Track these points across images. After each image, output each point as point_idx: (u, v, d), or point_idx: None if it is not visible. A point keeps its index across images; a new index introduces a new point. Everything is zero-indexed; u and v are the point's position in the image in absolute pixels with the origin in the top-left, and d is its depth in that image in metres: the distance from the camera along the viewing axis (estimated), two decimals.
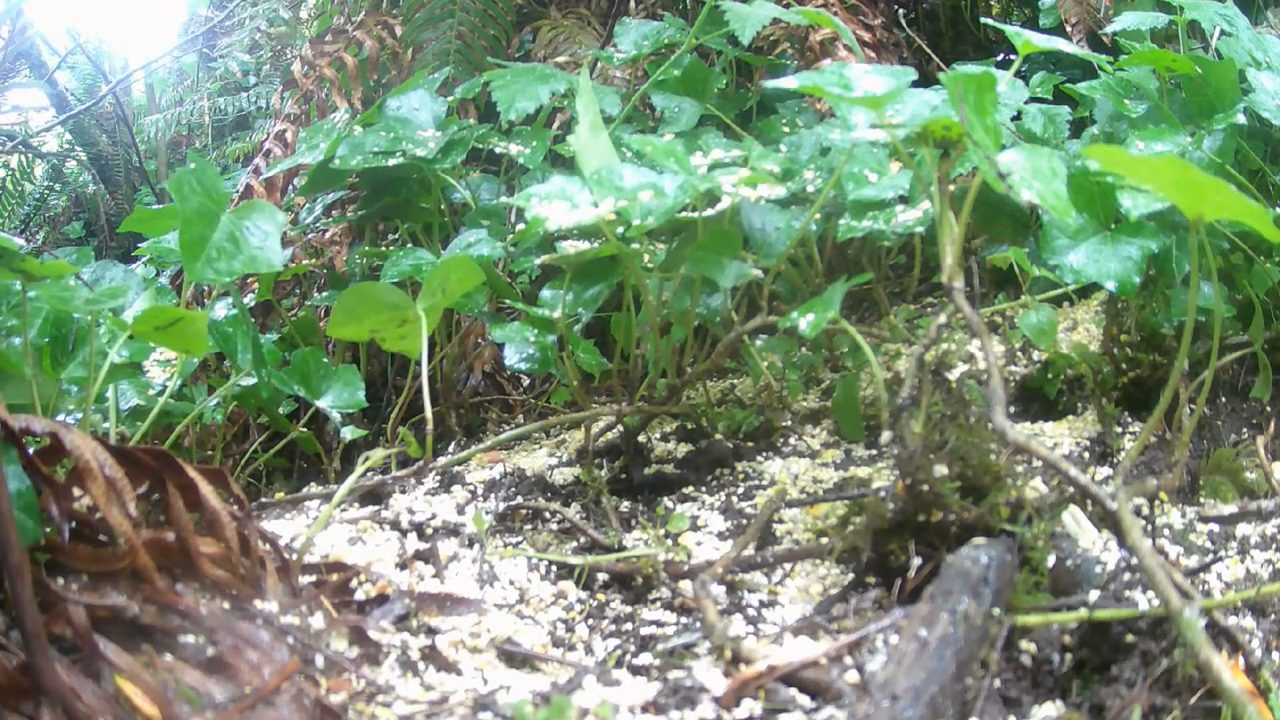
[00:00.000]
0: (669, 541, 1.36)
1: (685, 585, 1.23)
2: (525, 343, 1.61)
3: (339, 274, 2.16)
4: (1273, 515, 1.36)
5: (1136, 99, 1.73)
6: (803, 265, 1.76)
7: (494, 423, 1.99)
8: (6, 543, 0.83)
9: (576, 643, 1.16)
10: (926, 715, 0.86)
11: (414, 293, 1.37)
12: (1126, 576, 1.10)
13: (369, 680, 0.98)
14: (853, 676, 0.95)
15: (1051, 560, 1.11)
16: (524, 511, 1.42)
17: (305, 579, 1.13)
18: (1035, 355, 1.74)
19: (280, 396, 1.72)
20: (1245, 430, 1.64)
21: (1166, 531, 1.31)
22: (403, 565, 1.24)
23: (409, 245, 1.92)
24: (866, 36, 2.25)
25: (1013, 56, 1.50)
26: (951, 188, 1.23)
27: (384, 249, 2.04)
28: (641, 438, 1.62)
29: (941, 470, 1.10)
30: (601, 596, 1.26)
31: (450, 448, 1.77)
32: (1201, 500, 1.44)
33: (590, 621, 1.20)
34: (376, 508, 1.40)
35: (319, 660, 0.98)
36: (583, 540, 1.37)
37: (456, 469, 1.56)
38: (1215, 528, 1.34)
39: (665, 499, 1.50)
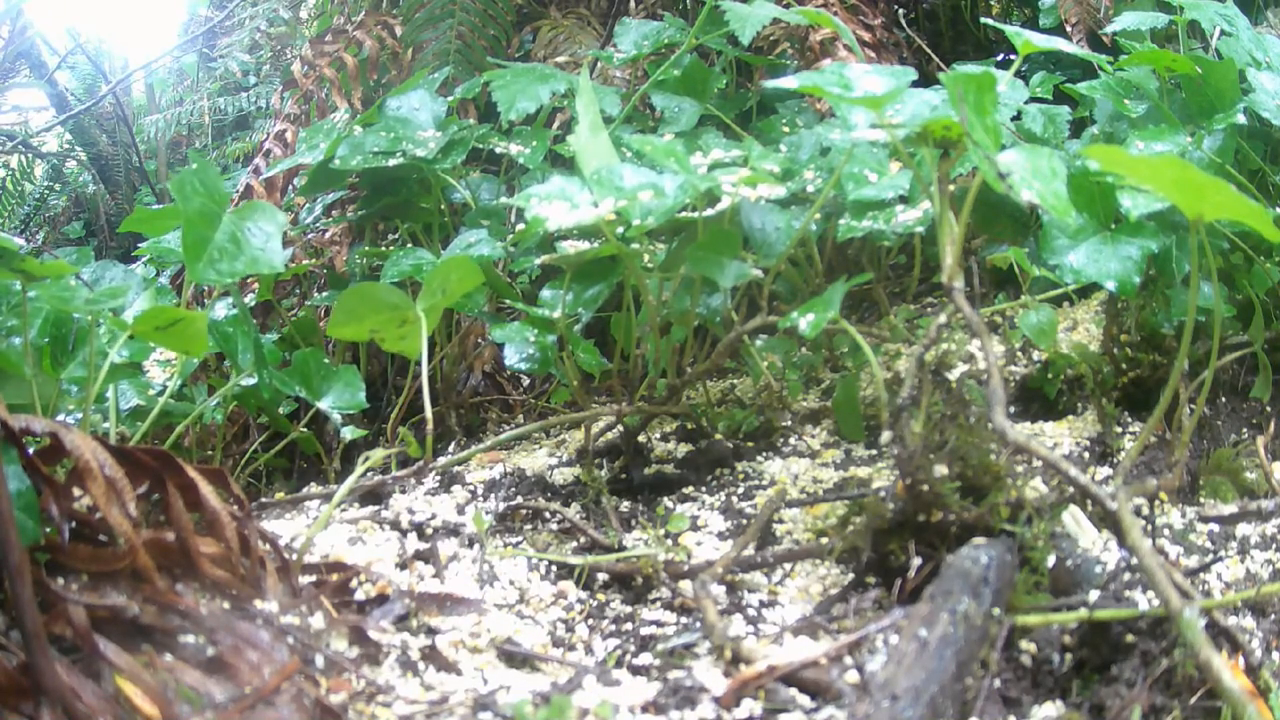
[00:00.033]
0: (669, 541, 1.36)
1: (685, 585, 1.23)
2: (525, 343, 1.61)
3: (339, 274, 2.16)
4: (1273, 515, 1.36)
5: (1136, 99, 1.73)
6: (803, 265, 1.76)
7: (494, 423, 1.99)
8: (6, 543, 0.83)
9: (576, 643, 1.16)
10: (926, 715, 0.86)
11: (414, 293, 1.37)
12: (1126, 576, 1.10)
13: (369, 680, 0.98)
14: (853, 676, 0.95)
15: (1051, 560, 1.11)
16: (524, 511, 1.43)
17: (305, 579, 1.13)
18: (1035, 355, 1.74)
19: (281, 397, 1.72)
20: (1245, 430, 1.64)
21: (1166, 531, 1.31)
22: (403, 565, 1.24)
23: (409, 245, 1.92)
24: (866, 36, 2.25)
25: (1013, 56, 1.50)
26: (951, 188, 1.23)
27: (384, 249, 2.04)
28: (641, 438, 1.62)
29: (941, 470, 1.10)
30: (601, 596, 1.26)
31: (450, 448, 1.78)
32: (1201, 500, 1.44)
33: (590, 621, 1.20)
34: (376, 508, 1.40)
35: (319, 660, 0.98)
36: (583, 540, 1.37)
37: (456, 469, 1.56)
38: (1215, 528, 1.34)
39: (665, 499, 1.50)
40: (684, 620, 1.18)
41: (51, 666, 0.83)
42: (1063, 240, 1.45)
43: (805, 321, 1.27)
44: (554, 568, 1.29)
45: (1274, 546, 1.30)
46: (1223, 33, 1.77)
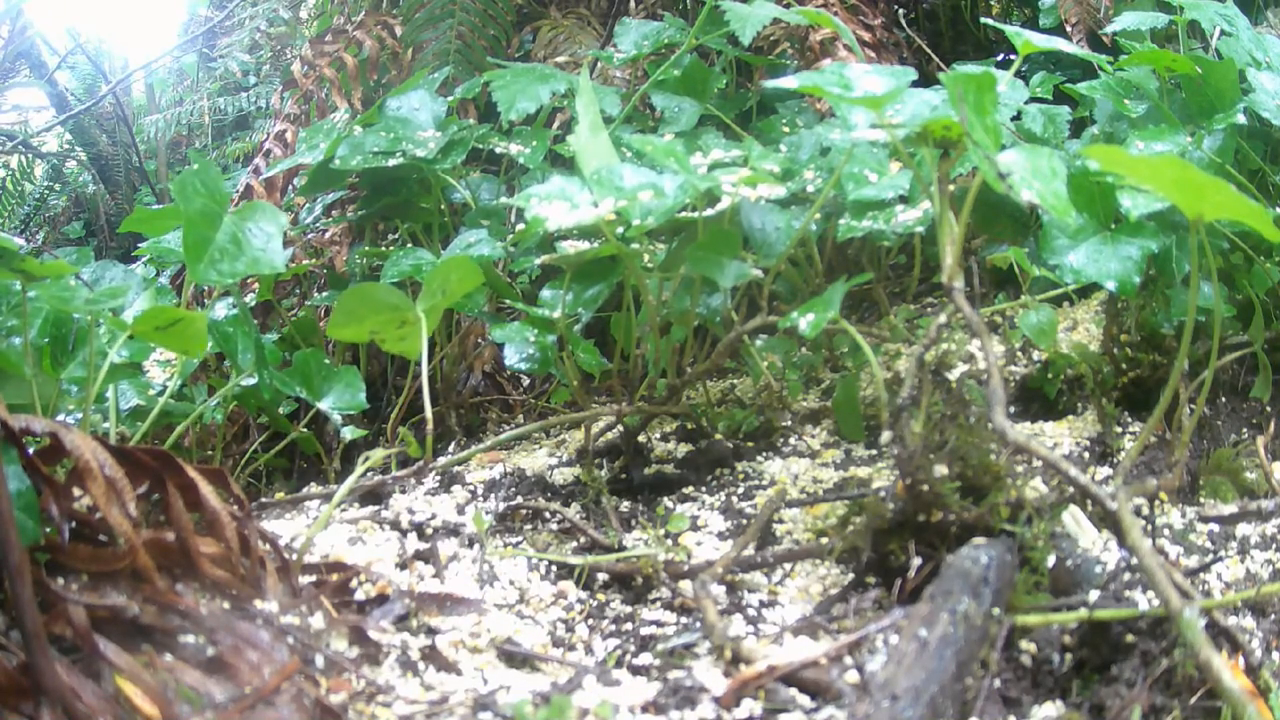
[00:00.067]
0: (669, 541, 1.36)
1: (685, 585, 1.23)
2: (525, 343, 1.61)
3: (339, 274, 2.16)
4: (1273, 515, 1.36)
5: (1136, 99, 1.73)
6: (803, 265, 1.76)
7: (494, 423, 1.99)
8: (6, 543, 0.83)
9: (576, 643, 1.16)
10: (926, 715, 0.86)
11: (414, 293, 1.37)
12: (1126, 576, 1.10)
13: (369, 680, 0.98)
14: (853, 676, 0.95)
15: (1051, 560, 1.11)
16: (524, 511, 1.43)
17: (305, 579, 1.13)
18: (1035, 355, 1.74)
19: (281, 397, 1.72)
20: (1245, 430, 1.64)
21: (1166, 531, 1.31)
22: (403, 565, 1.24)
23: (409, 245, 1.92)
24: (866, 36, 2.25)
25: (1013, 56, 1.50)
26: (951, 188, 1.23)
27: (384, 249, 2.04)
28: (641, 438, 1.62)
29: (941, 470, 1.10)
30: (601, 596, 1.26)
31: (450, 448, 1.78)
32: (1201, 500, 1.44)
33: (590, 621, 1.20)
34: (376, 508, 1.40)
35: (319, 660, 0.98)
36: (583, 540, 1.37)
37: (456, 469, 1.56)
38: (1215, 528, 1.34)
39: (665, 499, 1.50)
40: (684, 620, 1.18)
41: (51, 666, 0.83)
42: (1063, 240, 1.45)
43: (805, 321, 1.27)
44: (554, 568, 1.29)
45: (1274, 546, 1.30)
46: (1223, 33, 1.77)
